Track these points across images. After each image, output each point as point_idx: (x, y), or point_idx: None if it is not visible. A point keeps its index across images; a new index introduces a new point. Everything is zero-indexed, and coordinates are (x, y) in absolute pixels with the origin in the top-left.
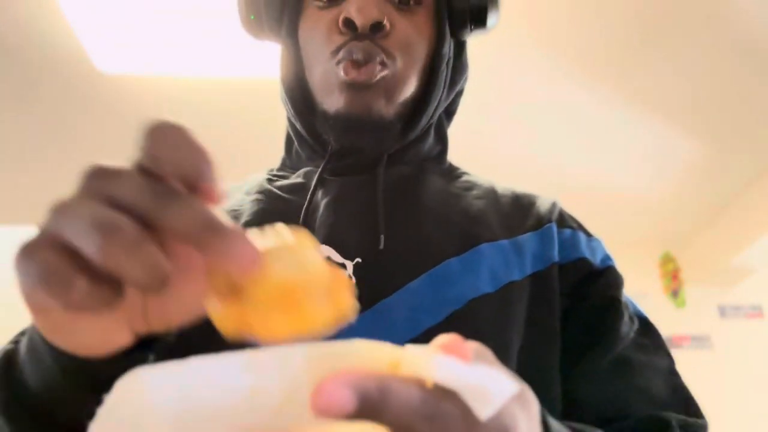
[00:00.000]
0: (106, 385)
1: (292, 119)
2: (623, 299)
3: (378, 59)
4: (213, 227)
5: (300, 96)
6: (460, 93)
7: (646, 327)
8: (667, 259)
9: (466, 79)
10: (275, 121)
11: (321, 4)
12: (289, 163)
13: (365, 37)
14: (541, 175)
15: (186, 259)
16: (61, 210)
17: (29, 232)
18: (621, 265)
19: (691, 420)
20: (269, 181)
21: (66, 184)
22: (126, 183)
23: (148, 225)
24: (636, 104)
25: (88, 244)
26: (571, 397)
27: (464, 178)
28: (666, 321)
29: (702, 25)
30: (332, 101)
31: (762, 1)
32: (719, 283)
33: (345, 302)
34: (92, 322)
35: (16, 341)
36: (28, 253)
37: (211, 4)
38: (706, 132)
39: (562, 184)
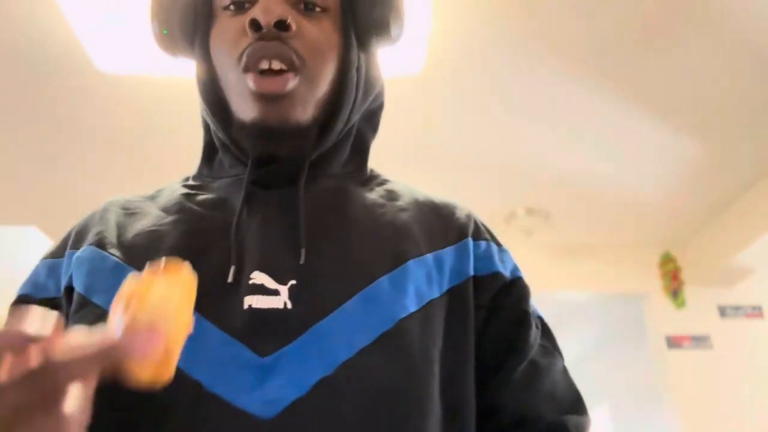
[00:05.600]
0: None
1: (214, 128)
2: (530, 309)
3: (287, 60)
4: (106, 360)
5: (219, 106)
6: (380, 107)
7: (545, 330)
8: (667, 259)
9: (382, 92)
10: None
11: (230, 12)
12: (207, 173)
13: (271, 38)
14: (540, 175)
15: None
16: None
17: (29, 231)
18: (621, 265)
19: (582, 420)
20: (187, 197)
21: (65, 184)
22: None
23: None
24: (636, 104)
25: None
26: (489, 403)
27: (386, 186)
28: (666, 321)
29: (702, 25)
30: (246, 110)
31: (763, 1)
32: (719, 283)
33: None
34: None
35: None
36: None
37: None
38: (707, 132)
39: (562, 183)
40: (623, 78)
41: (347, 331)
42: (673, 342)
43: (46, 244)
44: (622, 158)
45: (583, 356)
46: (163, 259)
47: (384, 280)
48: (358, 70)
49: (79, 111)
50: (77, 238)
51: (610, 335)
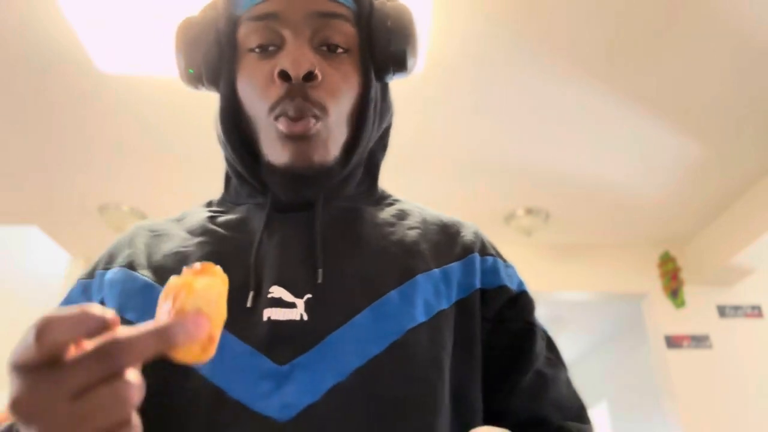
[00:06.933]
0: None
1: (232, 161)
2: (536, 321)
3: (310, 114)
4: (163, 340)
5: (239, 142)
6: (390, 126)
7: (550, 342)
8: (666, 259)
9: (392, 114)
10: None
11: (256, 54)
12: (229, 198)
13: (299, 90)
14: (540, 175)
15: None
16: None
17: (29, 231)
18: (621, 265)
19: (585, 428)
20: (211, 219)
21: (66, 184)
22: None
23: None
24: (636, 104)
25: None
26: (497, 408)
27: (396, 206)
28: (666, 321)
29: (702, 25)
30: (276, 154)
31: (763, 1)
32: (719, 282)
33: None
34: None
35: None
36: None
37: None
38: (707, 132)
39: (562, 183)
40: (623, 78)
41: (359, 341)
42: (673, 341)
43: (47, 243)
44: (621, 158)
45: (583, 356)
46: (198, 263)
47: (393, 294)
48: (375, 105)
49: (79, 111)
50: (108, 259)
51: (609, 335)
